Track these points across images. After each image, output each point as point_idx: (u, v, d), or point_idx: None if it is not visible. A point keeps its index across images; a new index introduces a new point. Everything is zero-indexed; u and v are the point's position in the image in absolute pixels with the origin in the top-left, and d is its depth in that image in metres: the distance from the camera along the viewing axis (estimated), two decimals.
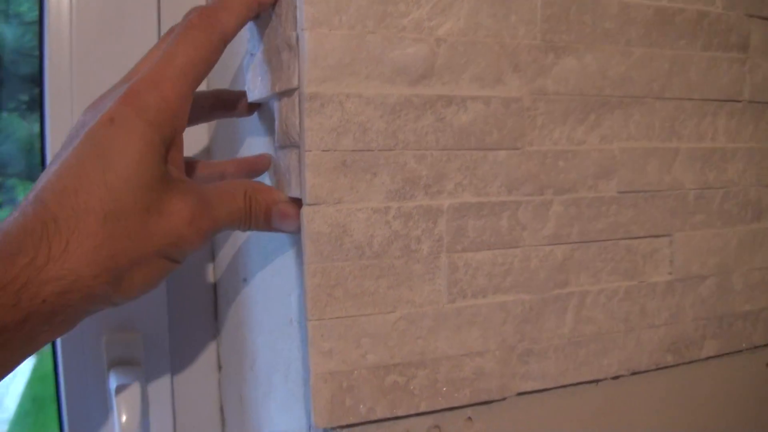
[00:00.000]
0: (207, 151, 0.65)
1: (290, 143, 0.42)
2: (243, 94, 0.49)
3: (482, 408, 0.47)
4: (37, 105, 0.73)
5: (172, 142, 0.38)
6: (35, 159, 0.76)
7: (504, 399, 0.48)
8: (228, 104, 0.50)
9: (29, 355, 0.34)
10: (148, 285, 0.37)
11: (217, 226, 0.40)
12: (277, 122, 0.44)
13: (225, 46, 0.40)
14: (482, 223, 0.45)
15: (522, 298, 0.46)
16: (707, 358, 0.56)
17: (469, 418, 0.47)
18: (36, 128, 0.79)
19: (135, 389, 0.57)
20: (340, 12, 0.40)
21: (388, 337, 0.43)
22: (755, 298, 0.58)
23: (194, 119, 0.49)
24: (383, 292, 0.43)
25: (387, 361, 0.43)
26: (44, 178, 0.35)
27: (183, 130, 0.39)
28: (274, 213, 0.42)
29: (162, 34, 0.61)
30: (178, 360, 0.65)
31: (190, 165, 0.47)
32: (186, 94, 0.38)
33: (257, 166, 0.49)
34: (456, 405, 0.45)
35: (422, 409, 0.44)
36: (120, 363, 0.62)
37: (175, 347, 0.64)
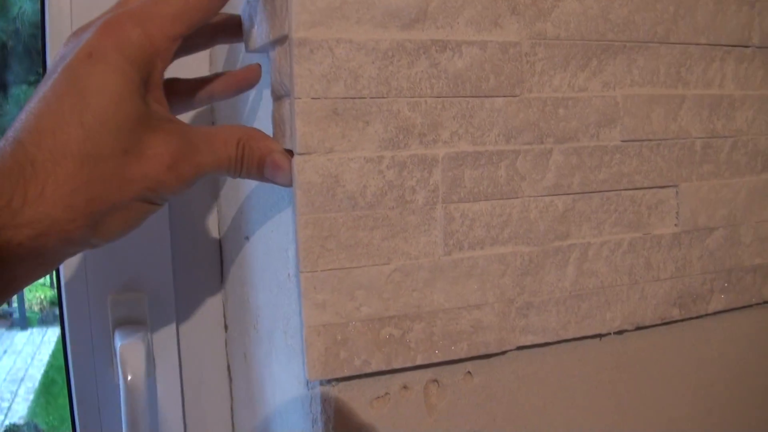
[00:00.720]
0: (209, 109, 0.64)
1: (284, 93, 0.41)
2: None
3: (482, 362, 0.47)
4: None
5: (153, 80, 0.37)
6: None
7: (504, 353, 0.47)
8: (229, 30, 0.48)
9: (9, 297, 0.34)
10: (127, 227, 0.37)
11: (201, 171, 0.38)
12: (271, 72, 0.43)
13: None
14: (479, 172, 0.44)
15: (521, 250, 0.45)
16: (715, 313, 0.55)
17: (469, 372, 0.47)
18: None
19: (140, 349, 0.57)
20: None
21: (383, 289, 0.42)
22: (765, 251, 0.57)
23: (195, 47, 0.48)
24: (377, 243, 0.42)
25: (382, 313, 0.42)
26: (23, 115, 0.34)
27: (165, 68, 0.38)
28: (267, 163, 0.41)
29: None
30: (184, 320, 0.65)
31: (174, 85, 0.46)
32: (174, 36, 0.37)
33: (246, 80, 0.47)
34: (453, 358, 0.44)
35: (418, 362, 0.43)
36: (125, 322, 0.62)
37: (180, 307, 0.64)
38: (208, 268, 0.66)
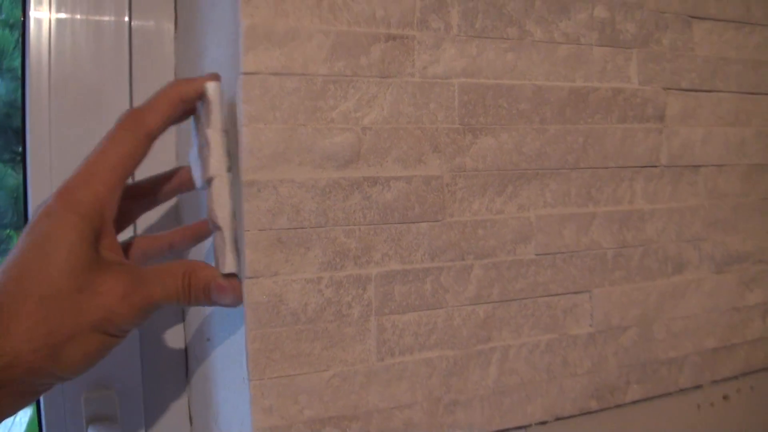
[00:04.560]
0: (177, 215, 0.70)
1: (214, 226, 0.48)
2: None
3: None
4: None
5: (104, 230, 0.43)
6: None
7: None
8: (186, 181, 0.55)
9: None
10: (89, 358, 0.42)
11: (152, 301, 0.44)
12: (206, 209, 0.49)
13: (152, 142, 0.46)
14: (408, 288, 0.50)
15: (446, 354, 0.52)
16: (634, 402, 0.61)
17: None
18: None
19: None
20: (274, 108, 0.46)
21: (323, 393, 0.48)
22: (679, 345, 0.63)
23: (159, 201, 0.54)
24: (318, 353, 0.48)
25: (322, 414, 0.48)
26: None
27: (113, 217, 0.44)
28: (212, 288, 0.47)
29: (133, 94, 0.68)
30: (153, 415, 0.70)
31: (136, 243, 0.52)
32: (115, 186, 0.44)
33: (200, 231, 0.54)
34: None
35: None
36: (97, 419, 0.67)
37: (149, 403, 0.69)
38: (174, 366, 0.71)
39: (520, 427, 0.55)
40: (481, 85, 0.52)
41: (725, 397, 0.70)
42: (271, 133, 0.46)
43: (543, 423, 0.56)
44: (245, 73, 0.46)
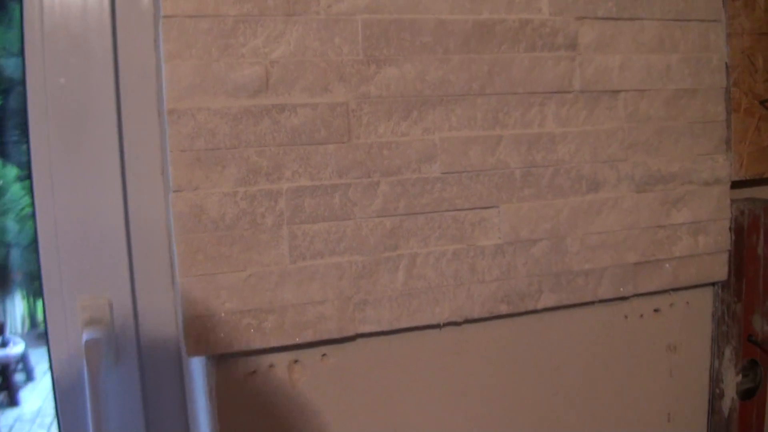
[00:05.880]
0: None
1: None
2: None
3: (336, 347, 0.60)
4: None
5: None
6: None
7: (355, 339, 0.61)
8: None
9: None
10: None
11: None
12: None
13: None
14: (317, 201, 0.58)
15: (355, 259, 0.59)
16: (552, 309, 0.68)
17: (325, 355, 0.60)
18: None
19: (100, 344, 0.73)
20: (190, 46, 0.54)
21: (242, 289, 0.56)
22: (596, 258, 0.69)
23: None
24: (236, 255, 0.56)
25: (241, 307, 0.56)
26: None
27: None
28: None
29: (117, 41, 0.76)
30: (144, 319, 0.80)
31: None
32: None
33: None
34: (302, 342, 0.58)
35: (272, 344, 0.57)
36: (91, 323, 0.77)
37: (139, 308, 0.79)
38: (161, 274, 0.80)
39: (431, 326, 0.63)
40: (383, 20, 0.59)
41: (656, 310, 0.76)
42: (188, 68, 0.54)
43: (456, 324, 0.64)
44: (164, 17, 0.54)
